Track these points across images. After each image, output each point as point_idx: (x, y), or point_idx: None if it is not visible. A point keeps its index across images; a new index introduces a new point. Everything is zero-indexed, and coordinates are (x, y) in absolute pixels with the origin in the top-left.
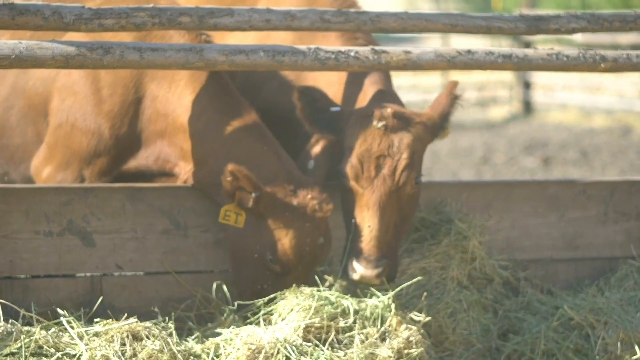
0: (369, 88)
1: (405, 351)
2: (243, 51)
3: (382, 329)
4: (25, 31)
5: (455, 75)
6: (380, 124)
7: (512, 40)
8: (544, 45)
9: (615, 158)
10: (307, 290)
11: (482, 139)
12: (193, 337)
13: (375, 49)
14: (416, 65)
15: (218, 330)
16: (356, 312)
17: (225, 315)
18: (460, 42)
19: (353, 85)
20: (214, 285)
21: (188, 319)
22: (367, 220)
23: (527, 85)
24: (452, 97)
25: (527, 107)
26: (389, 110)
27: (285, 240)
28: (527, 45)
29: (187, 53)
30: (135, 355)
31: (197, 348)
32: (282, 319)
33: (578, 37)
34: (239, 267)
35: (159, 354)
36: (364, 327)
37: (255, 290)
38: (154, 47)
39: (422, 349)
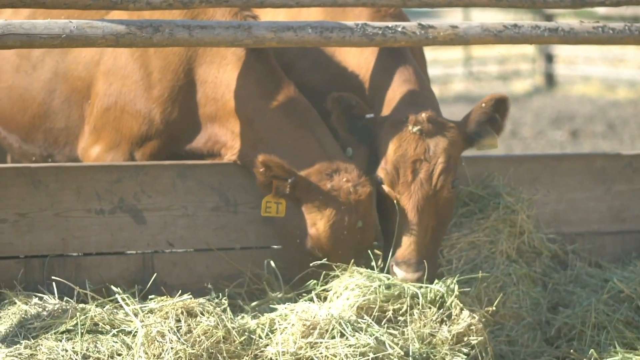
0: (400, 87)
1: (465, 338)
2: (291, 28)
3: (441, 312)
4: (73, 10)
5: (476, 48)
6: (415, 129)
7: (524, 14)
8: (561, 19)
9: None
10: (363, 270)
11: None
12: (246, 313)
13: (422, 24)
14: (463, 40)
15: (272, 306)
16: (415, 295)
17: (275, 292)
18: (476, 17)
19: (382, 74)
20: (265, 263)
21: (238, 295)
22: (406, 225)
23: (549, 58)
24: (484, 108)
25: (550, 80)
26: (423, 114)
27: (319, 224)
28: (548, 18)
29: (235, 30)
30: (190, 331)
31: (253, 324)
32: (337, 297)
33: (601, 10)
34: (286, 253)
35: (214, 330)
36: (423, 309)
37: (306, 275)
38: (203, 24)
39: (482, 338)
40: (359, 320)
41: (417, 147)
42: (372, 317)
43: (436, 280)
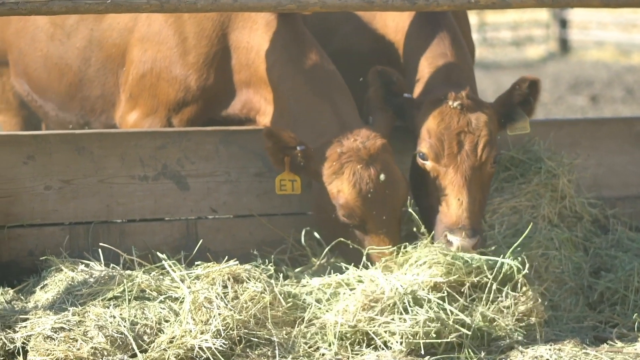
0: (436, 60)
1: (526, 318)
2: None
3: (507, 288)
4: None
5: (490, 14)
6: (456, 103)
7: None
8: None
9: None
10: (435, 245)
11: None
12: (291, 279)
13: None
14: (505, 4)
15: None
16: (490, 268)
17: (318, 258)
18: None
19: (418, 42)
20: (303, 231)
21: (282, 261)
22: (456, 195)
23: (563, 24)
24: (519, 90)
25: (564, 46)
26: (462, 92)
27: (343, 188)
28: None
29: None
30: (237, 297)
31: (314, 286)
32: (409, 268)
33: None
34: (328, 232)
35: (261, 296)
36: (490, 287)
37: (349, 250)
38: None
39: (542, 319)
40: (426, 296)
41: (459, 120)
42: (442, 291)
43: (507, 256)
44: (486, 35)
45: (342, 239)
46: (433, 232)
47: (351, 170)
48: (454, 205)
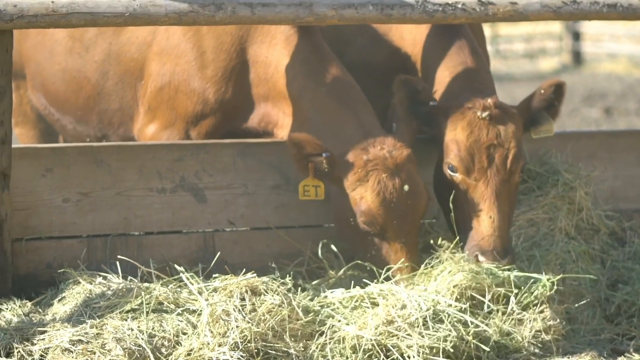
0: (456, 68)
1: (542, 335)
2: (352, 5)
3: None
4: None
5: (503, 26)
6: (484, 114)
7: None
8: None
9: None
10: (459, 257)
11: None
12: (304, 293)
13: (482, 1)
14: (522, 16)
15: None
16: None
17: (335, 271)
18: None
19: (437, 52)
20: (320, 244)
21: (299, 274)
22: (487, 212)
23: (576, 36)
24: (544, 95)
25: (577, 58)
26: (489, 100)
27: (366, 195)
28: None
29: (297, 8)
30: (254, 310)
31: (336, 298)
32: (426, 285)
33: None
34: (348, 239)
35: (279, 309)
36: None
37: (369, 257)
38: (265, 2)
39: (557, 336)
40: (447, 310)
41: (489, 132)
42: (463, 301)
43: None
44: (499, 47)
45: (359, 261)
46: (457, 239)
47: (376, 178)
48: (485, 222)
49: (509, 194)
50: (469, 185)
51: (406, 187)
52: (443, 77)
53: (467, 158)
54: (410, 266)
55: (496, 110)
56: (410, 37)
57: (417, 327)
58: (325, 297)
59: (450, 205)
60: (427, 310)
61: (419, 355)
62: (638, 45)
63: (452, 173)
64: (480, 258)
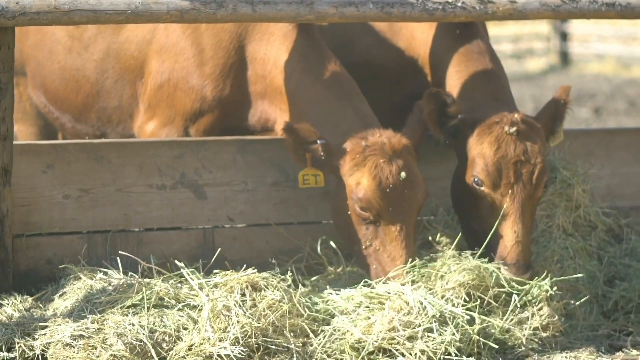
0: (480, 77)
1: (540, 332)
2: (353, 3)
3: (527, 305)
4: None
5: (490, 26)
6: (512, 130)
7: None
8: None
9: None
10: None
11: (528, 90)
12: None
13: None
14: (522, 14)
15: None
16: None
17: (334, 267)
18: None
19: (451, 53)
20: (319, 240)
21: (298, 270)
22: (512, 226)
23: (563, 37)
24: (563, 102)
25: (565, 59)
26: (516, 115)
27: (363, 180)
28: None
29: (298, 6)
30: (255, 305)
31: (339, 300)
32: (429, 287)
33: None
34: (344, 231)
35: (280, 304)
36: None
37: (365, 249)
38: (266, 0)
39: (556, 333)
40: (453, 311)
41: (516, 148)
42: (471, 302)
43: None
44: None
45: (358, 267)
46: (459, 236)
47: (373, 162)
48: (509, 237)
49: (532, 207)
50: (494, 199)
51: (403, 174)
52: (463, 83)
53: (495, 173)
54: (407, 259)
55: (523, 126)
56: (422, 37)
57: (422, 335)
58: (330, 294)
59: (466, 211)
60: (434, 316)
61: (422, 355)
62: (625, 46)
63: (477, 186)
64: (503, 271)
